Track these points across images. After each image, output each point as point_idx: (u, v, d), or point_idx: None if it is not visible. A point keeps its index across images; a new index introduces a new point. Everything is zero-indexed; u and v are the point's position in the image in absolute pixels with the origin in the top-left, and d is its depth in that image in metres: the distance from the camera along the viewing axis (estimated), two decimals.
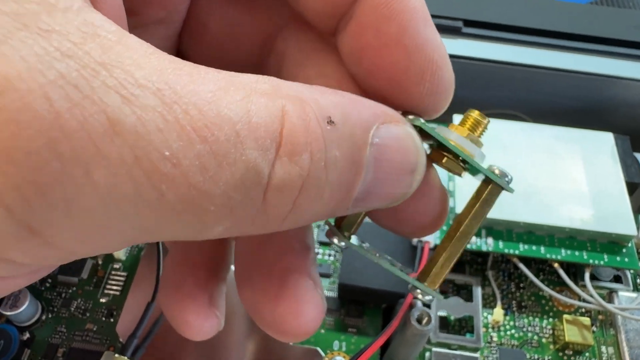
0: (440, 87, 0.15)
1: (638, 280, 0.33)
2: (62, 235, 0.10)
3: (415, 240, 0.31)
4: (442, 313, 0.31)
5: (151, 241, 0.11)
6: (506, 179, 0.15)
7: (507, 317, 0.32)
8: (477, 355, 0.29)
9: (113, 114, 0.10)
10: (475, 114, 0.16)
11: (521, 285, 0.33)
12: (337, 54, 0.16)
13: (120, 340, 0.29)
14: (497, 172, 0.15)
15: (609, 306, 0.30)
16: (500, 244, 0.31)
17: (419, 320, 0.24)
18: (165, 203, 0.10)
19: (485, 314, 0.31)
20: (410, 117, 0.14)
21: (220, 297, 0.17)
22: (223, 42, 0.17)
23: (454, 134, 0.15)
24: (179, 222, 0.11)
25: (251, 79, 0.12)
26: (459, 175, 0.16)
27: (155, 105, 0.10)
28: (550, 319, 0.32)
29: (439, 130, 0.15)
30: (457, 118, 0.35)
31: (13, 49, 0.09)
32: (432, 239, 0.31)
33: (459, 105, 0.39)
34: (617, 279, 0.33)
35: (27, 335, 0.29)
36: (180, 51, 0.17)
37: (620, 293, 0.32)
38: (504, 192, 0.33)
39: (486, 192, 0.16)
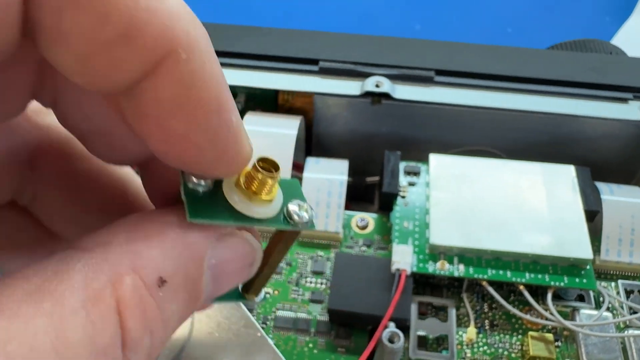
0: (238, 166, 0.14)
1: (601, 299, 0.36)
2: None
3: (393, 268, 0.35)
4: (421, 332, 0.35)
5: None
6: (304, 221, 0.15)
7: (480, 335, 0.35)
8: None
9: None
10: (262, 175, 0.15)
11: (493, 305, 0.37)
12: None
13: None
14: (295, 218, 0.15)
15: (567, 323, 0.33)
16: (471, 269, 0.35)
17: (391, 340, 0.28)
18: None
19: (460, 333, 0.35)
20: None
21: None
22: None
23: (250, 206, 0.15)
24: None
25: (77, 288, 0.11)
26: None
27: None
28: (520, 336, 0.35)
29: (229, 194, 0.15)
30: (433, 158, 0.39)
31: None
32: (409, 267, 0.35)
33: (436, 145, 0.43)
34: (581, 298, 0.37)
35: None
36: None
37: (582, 311, 0.35)
38: (475, 223, 0.37)
39: (285, 234, 0.16)
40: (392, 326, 0.30)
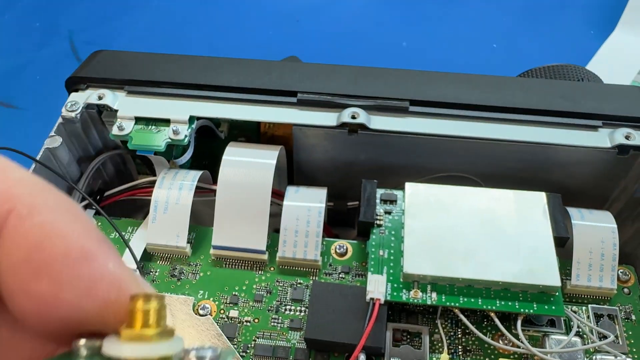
0: (124, 314, 0.13)
1: (571, 324, 0.37)
2: None
3: (368, 297, 0.36)
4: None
5: None
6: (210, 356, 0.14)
7: None
8: None
9: None
10: (138, 304, 0.13)
11: (467, 331, 0.38)
12: None
13: None
14: (193, 358, 0.13)
15: (535, 350, 0.34)
16: (443, 297, 0.36)
17: None
18: None
19: (434, 359, 0.36)
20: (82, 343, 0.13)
21: None
22: None
23: (126, 346, 0.13)
24: None
25: None
26: None
27: None
28: None
29: (107, 349, 0.13)
30: (409, 186, 0.41)
31: None
32: (383, 296, 0.36)
33: (414, 171, 0.44)
34: (552, 323, 0.38)
35: None
36: None
37: (552, 336, 0.37)
38: (448, 251, 0.38)
39: None
40: (362, 358, 0.31)
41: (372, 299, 0.36)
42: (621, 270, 0.40)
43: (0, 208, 0.12)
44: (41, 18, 0.83)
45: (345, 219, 0.49)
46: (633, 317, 0.38)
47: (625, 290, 0.40)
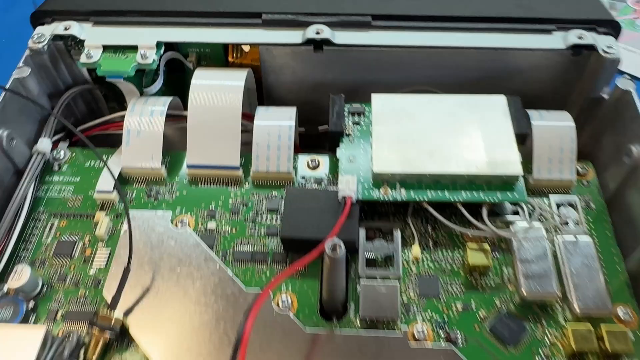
0: None
1: (534, 213, 0.39)
2: None
3: (340, 196, 0.37)
4: (369, 255, 0.37)
5: None
6: None
7: (425, 253, 0.38)
8: (397, 284, 0.35)
9: None
10: None
11: (436, 226, 0.39)
12: None
13: (107, 300, 0.36)
14: None
15: (500, 232, 0.36)
16: (412, 192, 0.38)
17: (333, 249, 0.31)
18: None
19: (406, 252, 0.38)
20: None
21: None
22: None
23: None
24: None
25: None
26: None
27: None
28: (461, 251, 0.38)
29: None
30: (375, 97, 0.42)
31: None
32: (354, 194, 0.37)
33: (377, 86, 0.46)
34: (516, 214, 0.40)
35: (32, 304, 0.36)
36: None
37: (517, 223, 0.38)
38: (414, 150, 0.39)
39: None
40: (336, 241, 0.32)
41: (344, 197, 0.37)
42: (580, 165, 0.42)
43: None
44: None
45: (317, 143, 0.50)
46: (592, 206, 0.40)
47: (584, 182, 0.42)
